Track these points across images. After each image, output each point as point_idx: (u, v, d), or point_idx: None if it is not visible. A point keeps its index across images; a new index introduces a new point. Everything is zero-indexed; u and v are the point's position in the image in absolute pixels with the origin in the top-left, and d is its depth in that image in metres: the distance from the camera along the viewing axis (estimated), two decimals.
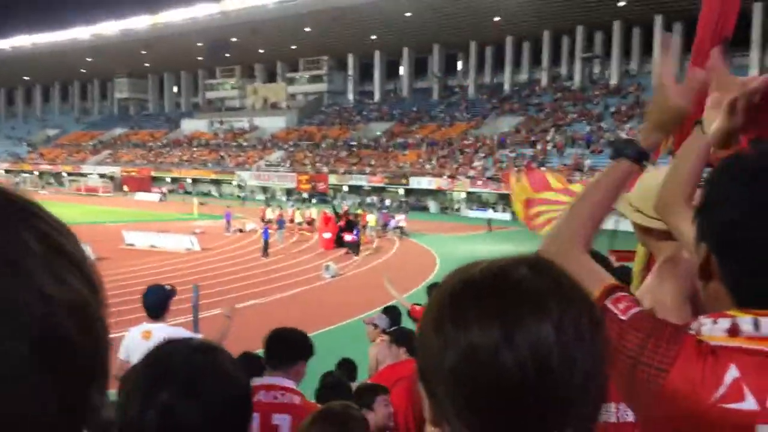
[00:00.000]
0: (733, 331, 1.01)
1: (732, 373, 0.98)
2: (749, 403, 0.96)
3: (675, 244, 1.72)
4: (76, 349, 0.40)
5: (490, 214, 39.94)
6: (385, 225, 31.92)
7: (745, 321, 1.01)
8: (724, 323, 1.03)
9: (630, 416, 1.85)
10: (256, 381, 3.06)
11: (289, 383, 3.09)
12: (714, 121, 1.39)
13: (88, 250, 21.89)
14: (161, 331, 4.75)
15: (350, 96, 71.45)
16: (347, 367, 5.35)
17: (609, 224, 2.11)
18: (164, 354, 1.12)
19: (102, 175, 66.70)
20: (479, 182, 46.43)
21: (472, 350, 0.69)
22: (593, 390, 0.71)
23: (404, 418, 3.89)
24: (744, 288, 1.05)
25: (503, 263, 0.76)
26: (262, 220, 31.11)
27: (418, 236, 31.68)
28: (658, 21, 51.35)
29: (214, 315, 5.85)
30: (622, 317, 1.09)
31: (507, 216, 44.76)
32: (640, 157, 1.32)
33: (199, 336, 5.11)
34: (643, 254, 2.49)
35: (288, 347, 3.23)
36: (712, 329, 1.03)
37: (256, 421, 2.87)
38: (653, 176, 1.83)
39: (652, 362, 1.04)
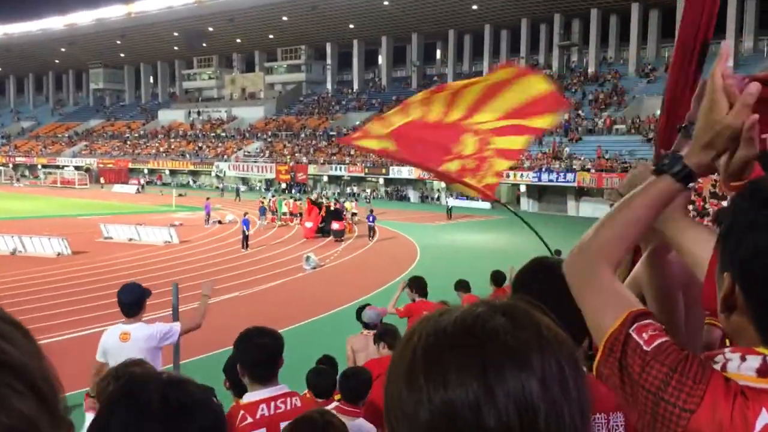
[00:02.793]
0: (764, 371, 0.93)
1: (764, 417, 0.89)
2: None
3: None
4: None
5: (451, 202, 39.77)
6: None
7: None
8: (754, 362, 0.94)
9: None
10: (253, 396, 3.01)
11: (281, 387, 3.09)
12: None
13: (65, 243, 21.68)
14: (139, 332, 4.71)
15: (329, 85, 71.10)
16: (327, 363, 5.37)
17: None
18: (138, 389, 1.12)
19: (78, 167, 65.89)
20: None
21: (451, 408, 0.64)
22: None
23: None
24: None
25: (477, 312, 0.70)
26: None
27: (393, 224, 31.77)
28: (635, 9, 51.64)
29: (193, 309, 5.79)
30: (646, 348, 1.01)
31: (487, 205, 44.98)
32: (686, 176, 1.16)
33: (178, 327, 5.05)
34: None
35: (272, 355, 3.07)
36: (740, 367, 0.95)
37: None
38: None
39: (677, 401, 0.95)
